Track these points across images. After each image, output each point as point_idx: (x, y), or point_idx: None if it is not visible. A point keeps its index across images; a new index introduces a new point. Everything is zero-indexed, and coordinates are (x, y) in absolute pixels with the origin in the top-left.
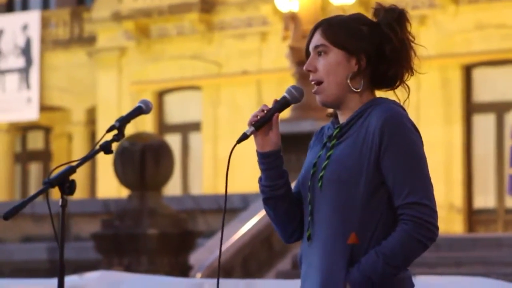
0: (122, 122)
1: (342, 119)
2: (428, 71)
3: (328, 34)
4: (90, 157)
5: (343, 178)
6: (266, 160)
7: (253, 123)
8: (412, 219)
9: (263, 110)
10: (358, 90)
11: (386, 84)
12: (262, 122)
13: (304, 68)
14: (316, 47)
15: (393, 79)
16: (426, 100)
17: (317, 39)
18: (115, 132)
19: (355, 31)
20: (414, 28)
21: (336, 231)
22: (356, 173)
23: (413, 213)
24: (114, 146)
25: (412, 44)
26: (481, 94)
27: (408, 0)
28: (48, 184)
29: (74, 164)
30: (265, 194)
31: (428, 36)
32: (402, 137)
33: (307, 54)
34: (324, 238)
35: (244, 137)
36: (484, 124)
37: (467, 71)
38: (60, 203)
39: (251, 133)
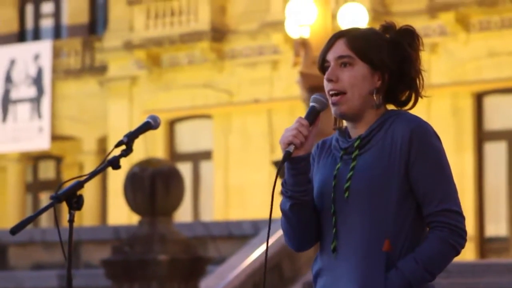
0: (131, 137)
1: (356, 132)
2: (439, 99)
3: (354, 46)
4: (98, 172)
5: (373, 187)
6: (299, 165)
7: (295, 143)
8: (448, 226)
9: (301, 124)
10: (378, 106)
11: (399, 103)
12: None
13: (326, 77)
14: (341, 57)
15: (409, 99)
16: (437, 128)
17: (342, 49)
18: (123, 147)
19: (379, 47)
20: (425, 56)
21: (369, 240)
22: (386, 181)
23: (448, 220)
24: (123, 162)
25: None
26: (492, 122)
27: (419, 28)
28: (56, 199)
29: (82, 179)
30: (293, 200)
31: (439, 64)
32: (431, 146)
33: (324, 62)
34: (355, 247)
35: (288, 155)
36: (496, 152)
37: (479, 99)
38: (68, 218)
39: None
